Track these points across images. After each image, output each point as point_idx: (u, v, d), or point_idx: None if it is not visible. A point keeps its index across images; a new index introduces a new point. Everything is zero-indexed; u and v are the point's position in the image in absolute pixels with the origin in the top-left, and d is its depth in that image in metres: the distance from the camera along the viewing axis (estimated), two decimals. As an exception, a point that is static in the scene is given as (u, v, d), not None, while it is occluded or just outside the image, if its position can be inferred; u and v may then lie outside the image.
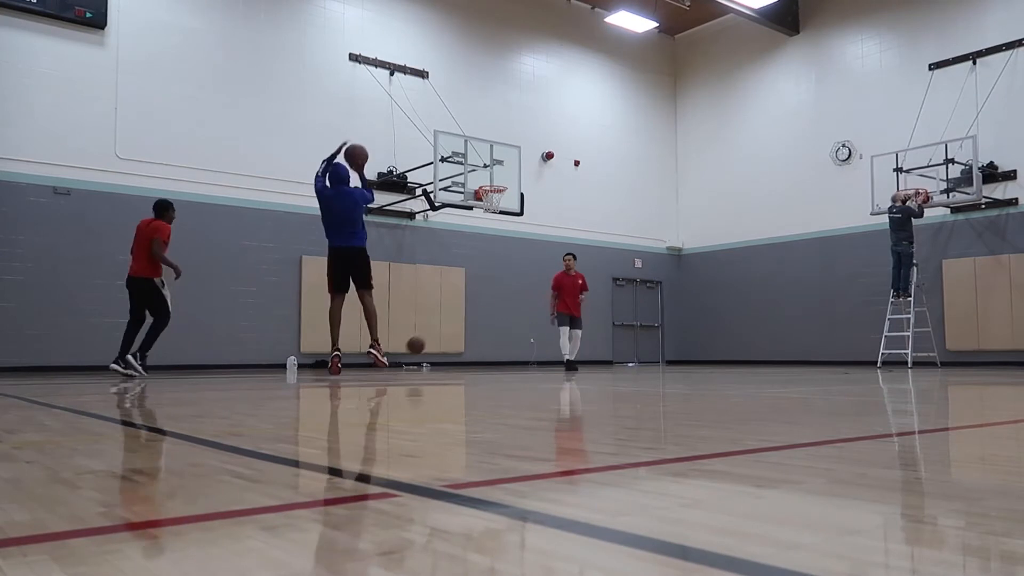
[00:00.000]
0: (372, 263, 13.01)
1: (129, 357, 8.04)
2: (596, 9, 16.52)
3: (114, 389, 5.81)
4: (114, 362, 8.03)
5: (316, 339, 12.51)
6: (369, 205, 7.88)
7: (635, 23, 16.35)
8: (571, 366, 11.36)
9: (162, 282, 8.20)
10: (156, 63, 11.44)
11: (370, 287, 7.78)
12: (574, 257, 11.75)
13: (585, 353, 15.91)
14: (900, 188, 12.64)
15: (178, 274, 8.22)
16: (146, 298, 8.19)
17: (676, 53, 18.22)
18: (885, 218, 12.27)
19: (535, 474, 1.75)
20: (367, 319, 7.85)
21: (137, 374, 8.01)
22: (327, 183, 7.90)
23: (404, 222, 13.70)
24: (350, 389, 6.01)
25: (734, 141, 16.88)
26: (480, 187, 12.21)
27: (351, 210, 7.74)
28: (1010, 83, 12.80)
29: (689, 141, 17.87)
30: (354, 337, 12.94)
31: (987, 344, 12.68)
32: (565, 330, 11.51)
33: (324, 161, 8.10)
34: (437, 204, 12.18)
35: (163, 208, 8.45)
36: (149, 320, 8.33)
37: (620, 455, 2.14)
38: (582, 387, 6.30)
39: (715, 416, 3.46)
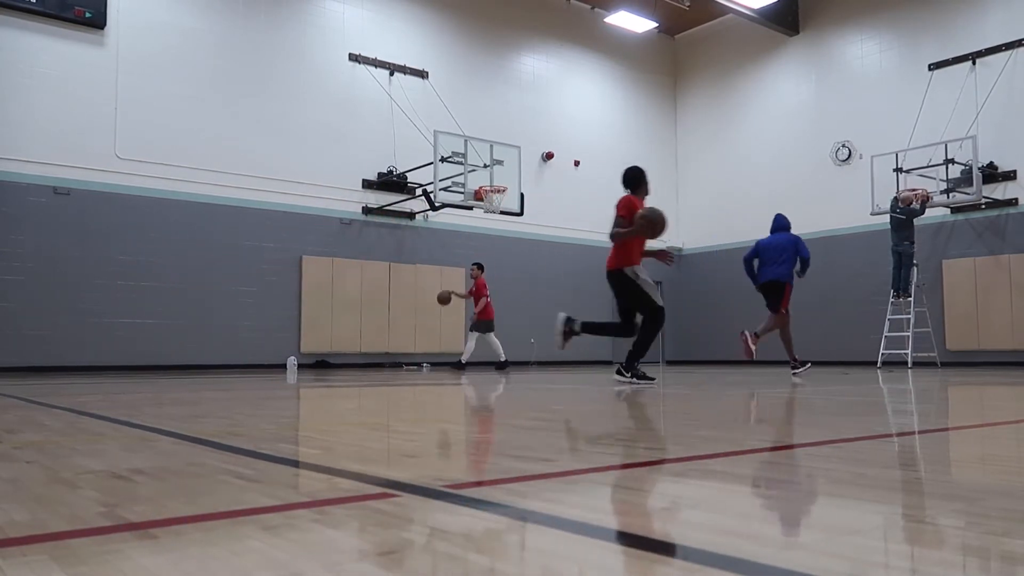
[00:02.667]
0: (371, 263, 13.14)
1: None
2: (596, 9, 16.52)
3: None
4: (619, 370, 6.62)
5: (316, 339, 12.52)
6: (802, 256, 8.77)
7: (635, 23, 16.35)
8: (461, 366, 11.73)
9: (635, 272, 6.38)
10: (156, 63, 11.44)
11: (776, 311, 8.81)
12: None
13: (585, 353, 15.94)
14: (900, 188, 12.62)
15: (646, 232, 6.31)
16: (624, 296, 6.47)
17: (676, 53, 18.21)
18: (885, 218, 12.26)
19: (535, 474, 1.74)
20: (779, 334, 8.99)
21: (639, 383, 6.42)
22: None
23: (404, 222, 13.70)
24: (350, 389, 6.01)
25: (734, 141, 16.88)
26: (480, 187, 12.20)
27: (779, 250, 8.78)
28: (1010, 83, 12.79)
29: (689, 141, 17.86)
30: (353, 340, 12.97)
31: (987, 344, 12.68)
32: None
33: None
34: (437, 204, 12.18)
35: (630, 179, 6.64)
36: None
37: (620, 455, 2.14)
38: (582, 387, 6.30)
39: (715, 416, 3.46)
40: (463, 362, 11.64)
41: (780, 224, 9.07)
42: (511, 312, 14.65)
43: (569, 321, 6.61)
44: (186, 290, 11.43)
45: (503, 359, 11.54)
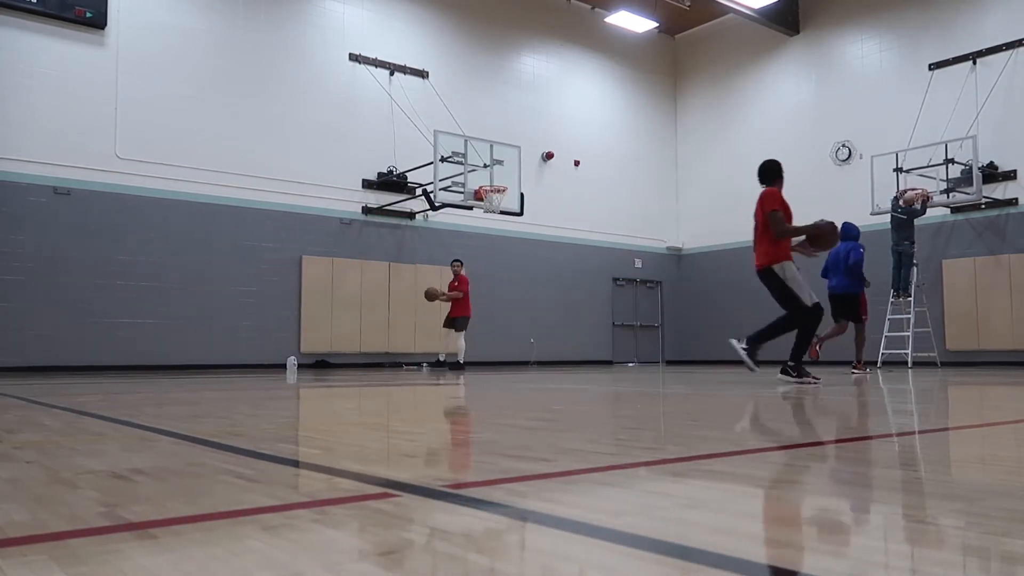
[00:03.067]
0: (371, 263, 13.15)
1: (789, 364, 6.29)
2: (596, 9, 16.51)
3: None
4: (784, 369, 6.35)
5: (316, 339, 12.51)
6: (853, 262, 9.20)
7: (635, 23, 16.35)
8: (441, 365, 11.85)
9: (783, 269, 6.12)
10: (156, 63, 11.44)
11: (858, 320, 9.50)
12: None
13: (585, 353, 15.95)
14: (900, 188, 12.60)
15: (812, 241, 6.24)
16: (775, 293, 6.20)
17: (676, 53, 18.21)
18: (885, 218, 12.25)
19: (535, 474, 1.74)
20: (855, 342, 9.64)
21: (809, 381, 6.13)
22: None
23: (404, 222, 13.70)
24: (350, 389, 6.01)
25: (734, 141, 16.87)
26: (480, 187, 12.20)
27: (835, 259, 9.34)
28: (1010, 83, 12.79)
29: (689, 141, 17.86)
30: (353, 340, 12.96)
31: (987, 344, 12.68)
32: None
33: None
34: (437, 204, 12.18)
35: (767, 173, 6.47)
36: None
37: (620, 455, 2.14)
38: (582, 387, 6.30)
39: (715, 416, 3.46)
40: (460, 361, 11.67)
41: (844, 232, 9.23)
42: (511, 312, 14.66)
43: (749, 343, 6.33)
44: (186, 290, 11.43)
45: (443, 359, 11.75)
